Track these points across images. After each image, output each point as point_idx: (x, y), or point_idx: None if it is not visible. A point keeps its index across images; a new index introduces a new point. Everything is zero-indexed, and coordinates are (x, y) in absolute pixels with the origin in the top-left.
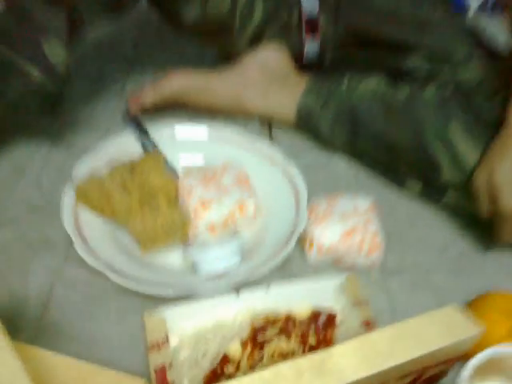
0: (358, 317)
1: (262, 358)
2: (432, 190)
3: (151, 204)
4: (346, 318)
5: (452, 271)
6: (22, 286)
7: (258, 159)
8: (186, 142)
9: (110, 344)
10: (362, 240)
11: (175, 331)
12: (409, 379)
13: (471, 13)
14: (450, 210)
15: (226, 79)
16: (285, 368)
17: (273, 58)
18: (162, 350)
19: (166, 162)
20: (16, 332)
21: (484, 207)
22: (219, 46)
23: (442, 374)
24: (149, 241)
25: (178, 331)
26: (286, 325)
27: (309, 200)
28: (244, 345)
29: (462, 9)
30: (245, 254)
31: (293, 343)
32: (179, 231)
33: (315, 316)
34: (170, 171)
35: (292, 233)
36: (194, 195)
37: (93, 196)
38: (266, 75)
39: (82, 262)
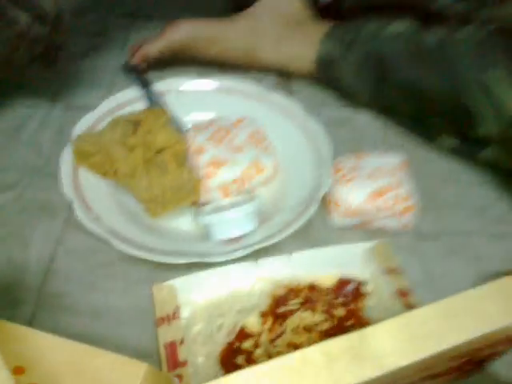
0: (391, 286)
1: (283, 332)
2: (468, 144)
3: (158, 164)
4: (377, 286)
5: (492, 235)
6: (21, 255)
7: (275, 114)
8: (195, 97)
9: (116, 317)
10: (393, 201)
11: (187, 303)
12: (458, 362)
13: None
14: (489, 167)
15: (237, 27)
16: (313, 353)
17: (287, 3)
18: (172, 324)
19: (173, 117)
20: (15, 304)
21: None
22: None
23: (496, 355)
24: (157, 205)
25: (190, 303)
26: (310, 294)
27: (333, 158)
28: (263, 317)
29: None
30: (262, 217)
31: (318, 315)
32: (190, 193)
33: (342, 284)
34: (178, 128)
35: (314, 194)
36: (204, 154)
37: (92, 155)
38: (281, 22)
39: (84, 229)
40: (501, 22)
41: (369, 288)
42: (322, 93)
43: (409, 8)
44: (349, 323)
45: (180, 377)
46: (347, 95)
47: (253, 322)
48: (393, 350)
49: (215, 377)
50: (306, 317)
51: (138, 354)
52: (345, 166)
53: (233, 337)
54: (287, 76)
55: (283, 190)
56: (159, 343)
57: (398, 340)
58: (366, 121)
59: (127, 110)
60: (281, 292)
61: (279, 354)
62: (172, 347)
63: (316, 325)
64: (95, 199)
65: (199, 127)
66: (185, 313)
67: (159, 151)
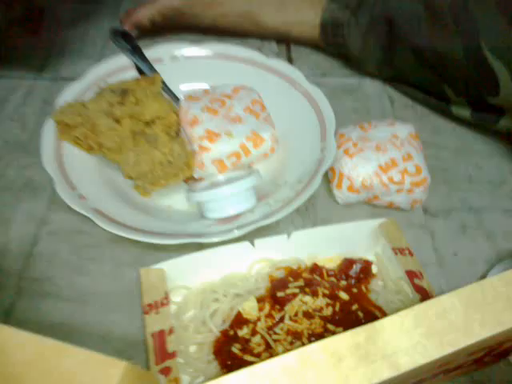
0: (400, 266)
1: (282, 319)
2: (483, 114)
3: (147, 137)
4: (385, 268)
5: (507, 211)
6: (1, 237)
7: (274, 81)
8: (190, 65)
9: (103, 303)
10: (402, 174)
11: (178, 288)
12: (480, 355)
13: None
14: (505, 139)
15: None
16: (315, 352)
17: None
18: (160, 311)
19: (164, 87)
20: None
21: None
22: None
23: None
24: (146, 182)
25: (181, 288)
26: (312, 277)
27: (336, 129)
28: (261, 302)
29: None
30: (261, 193)
31: (320, 299)
32: (182, 169)
33: (347, 265)
34: (170, 98)
35: (317, 168)
36: (198, 126)
37: (75, 127)
38: None
39: (70, 208)
40: None
41: (375, 269)
42: (325, 61)
43: None
44: (354, 308)
45: (168, 370)
46: (353, 63)
47: (249, 308)
48: (407, 347)
49: (208, 367)
50: (306, 301)
51: (125, 343)
52: (350, 138)
53: (228, 324)
54: (288, 43)
55: (283, 164)
56: (146, 333)
57: (412, 335)
58: (372, 90)
59: (116, 78)
60: (279, 275)
61: (277, 342)
62: (160, 337)
63: (318, 310)
64: (80, 176)
65: (193, 97)
66: (175, 299)
67: (149, 123)
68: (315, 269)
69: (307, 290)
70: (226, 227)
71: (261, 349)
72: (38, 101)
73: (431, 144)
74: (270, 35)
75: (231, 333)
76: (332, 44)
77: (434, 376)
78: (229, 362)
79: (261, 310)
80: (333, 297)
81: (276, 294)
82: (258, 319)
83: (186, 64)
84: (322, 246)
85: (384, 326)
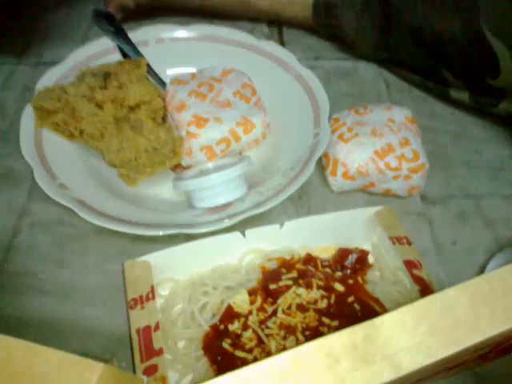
0: (397, 256)
1: (275, 312)
2: (483, 97)
3: (131, 122)
4: (382, 257)
5: (506, 197)
6: None
7: (265, 64)
8: (176, 47)
9: (87, 298)
10: (400, 160)
11: (164, 281)
12: (486, 351)
13: None
14: (506, 122)
15: None
16: (309, 352)
17: None
18: (146, 306)
19: (150, 70)
20: None
21: None
22: None
23: None
24: (131, 170)
25: (168, 281)
26: (305, 268)
27: (330, 114)
28: (253, 295)
29: None
30: (252, 182)
31: (314, 291)
32: (169, 156)
33: (342, 255)
34: (156, 81)
35: (311, 154)
36: (186, 111)
37: (54, 113)
38: None
39: (51, 199)
40: None
41: (372, 259)
42: (318, 44)
43: None
44: (349, 300)
45: (155, 368)
46: (347, 45)
47: (241, 301)
48: (409, 346)
49: (197, 364)
50: (300, 294)
51: (110, 340)
52: (345, 123)
53: (218, 318)
54: (279, 26)
55: (275, 150)
56: (131, 329)
57: (415, 333)
58: (367, 74)
59: (100, 62)
60: (272, 266)
61: (270, 337)
62: (146, 333)
63: (312, 302)
64: (61, 165)
65: (180, 81)
66: (162, 292)
67: (133, 108)
68: (309, 259)
69: (301, 281)
70: (216, 217)
71: (253, 344)
72: (19, 87)
73: (429, 129)
74: (261, 16)
75: (221, 327)
76: (325, 25)
77: (435, 373)
78: (219, 358)
79: (252, 303)
80: (328, 288)
81: (268, 286)
82: (250, 313)
83: (172, 47)
84: (316, 235)
85: (384, 324)
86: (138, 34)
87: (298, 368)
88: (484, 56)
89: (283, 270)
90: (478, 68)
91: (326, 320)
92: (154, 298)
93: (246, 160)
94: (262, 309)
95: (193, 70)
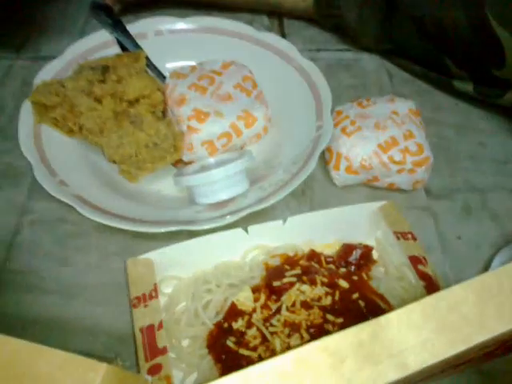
0: (402, 251)
1: (279, 310)
2: (488, 88)
3: (131, 117)
4: (386, 253)
5: None
6: None
7: (266, 56)
8: (176, 39)
9: (89, 296)
10: (403, 153)
11: (167, 279)
12: (492, 348)
13: None
14: (511, 114)
15: None
16: (313, 352)
17: None
18: (149, 304)
19: (149, 63)
20: None
21: None
22: None
23: None
24: (132, 166)
25: (171, 278)
26: (309, 264)
27: (333, 107)
28: (256, 292)
29: None
30: (254, 176)
31: (318, 288)
32: (170, 151)
33: (346, 251)
34: (155, 74)
35: (313, 148)
36: (186, 105)
37: (53, 108)
38: None
39: (52, 196)
40: None
41: (376, 255)
42: (320, 35)
43: None
44: (354, 296)
45: (159, 367)
46: (349, 36)
47: (244, 298)
48: (415, 344)
49: (201, 362)
50: (304, 291)
51: (113, 339)
52: (348, 116)
53: (222, 316)
54: (280, 17)
55: (277, 145)
56: (135, 328)
57: (421, 331)
58: (370, 65)
59: (98, 56)
60: (275, 262)
61: (274, 335)
62: (149, 332)
63: (316, 300)
64: (61, 161)
65: (180, 74)
66: (166, 290)
67: (132, 102)
68: (313, 255)
69: (305, 278)
70: (218, 213)
71: (257, 342)
72: (18, 82)
73: (433, 121)
74: (261, 7)
75: (225, 325)
76: (326, 16)
77: (441, 371)
78: (223, 357)
79: (256, 300)
80: (332, 285)
81: (272, 283)
82: (254, 310)
83: (172, 39)
84: (320, 231)
85: (389, 322)
86: (137, 27)
87: (303, 368)
88: (489, 45)
89: (287, 267)
90: (483, 58)
91: (330, 317)
92: (157, 296)
93: (248, 155)
94: (265, 306)
95: (192, 62)
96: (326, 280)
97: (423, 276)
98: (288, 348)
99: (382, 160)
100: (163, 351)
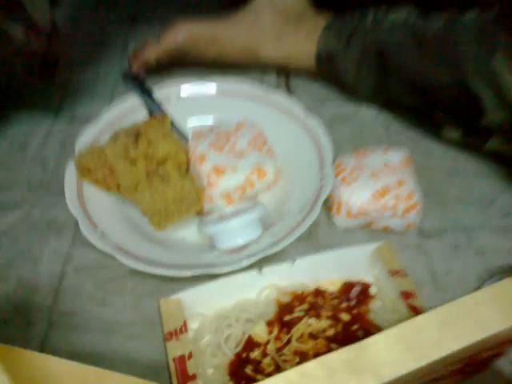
0: (395, 288)
1: (289, 341)
2: (473, 135)
3: (160, 175)
4: (382, 289)
5: (497, 229)
6: (31, 274)
7: (275, 114)
8: (195, 101)
9: (126, 332)
10: (396, 199)
11: (194, 316)
12: (458, 366)
13: None
14: (495, 159)
15: (235, 26)
16: (313, 367)
17: None
18: (180, 338)
19: (174, 125)
20: (27, 325)
21: None
22: None
23: (499, 355)
24: (161, 217)
25: (197, 315)
26: (315, 300)
27: (334, 157)
28: (270, 326)
29: None
30: (266, 223)
31: (323, 321)
32: (193, 204)
33: (347, 288)
34: (179, 135)
35: (317, 196)
36: (206, 162)
37: (95, 171)
38: (281, 18)
39: (92, 245)
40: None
41: (374, 290)
42: (323, 89)
43: None
44: (354, 328)
45: None
46: (348, 90)
47: (260, 331)
48: (389, 360)
49: None
50: (311, 324)
51: (149, 369)
52: (347, 166)
53: (241, 347)
54: (287, 74)
55: (285, 194)
56: (169, 358)
57: (394, 350)
58: (368, 116)
59: (129, 118)
60: (286, 299)
61: (286, 362)
62: (181, 361)
63: (322, 331)
64: (101, 215)
65: (200, 135)
66: (193, 325)
67: (161, 162)
68: (318, 292)
69: (311, 312)
70: (236, 257)
71: (271, 369)
72: (57, 142)
73: (425, 167)
74: (270, 66)
75: (244, 355)
76: (327, 73)
77: None
78: (243, 382)
79: (270, 333)
80: (335, 318)
81: (283, 317)
82: (268, 342)
83: (192, 101)
84: (324, 270)
85: (371, 344)
86: (162, 92)
87: (305, 378)
88: (470, 98)
89: (296, 303)
90: (466, 110)
91: (334, 346)
92: (186, 330)
93: (261, 204)
94: (278, 338)
95: (210, 118)
96: (330, 314)
97: (413, 309)
98: None
99: (376, 206)
100: (193, 377)
